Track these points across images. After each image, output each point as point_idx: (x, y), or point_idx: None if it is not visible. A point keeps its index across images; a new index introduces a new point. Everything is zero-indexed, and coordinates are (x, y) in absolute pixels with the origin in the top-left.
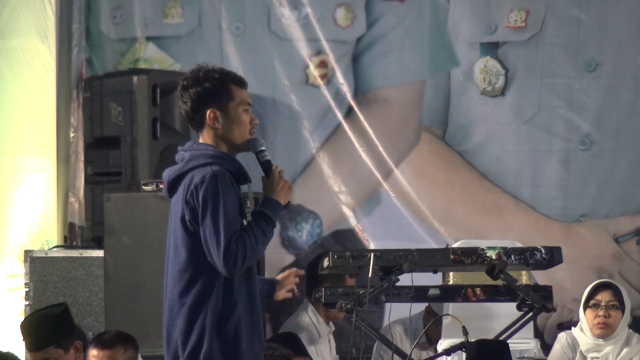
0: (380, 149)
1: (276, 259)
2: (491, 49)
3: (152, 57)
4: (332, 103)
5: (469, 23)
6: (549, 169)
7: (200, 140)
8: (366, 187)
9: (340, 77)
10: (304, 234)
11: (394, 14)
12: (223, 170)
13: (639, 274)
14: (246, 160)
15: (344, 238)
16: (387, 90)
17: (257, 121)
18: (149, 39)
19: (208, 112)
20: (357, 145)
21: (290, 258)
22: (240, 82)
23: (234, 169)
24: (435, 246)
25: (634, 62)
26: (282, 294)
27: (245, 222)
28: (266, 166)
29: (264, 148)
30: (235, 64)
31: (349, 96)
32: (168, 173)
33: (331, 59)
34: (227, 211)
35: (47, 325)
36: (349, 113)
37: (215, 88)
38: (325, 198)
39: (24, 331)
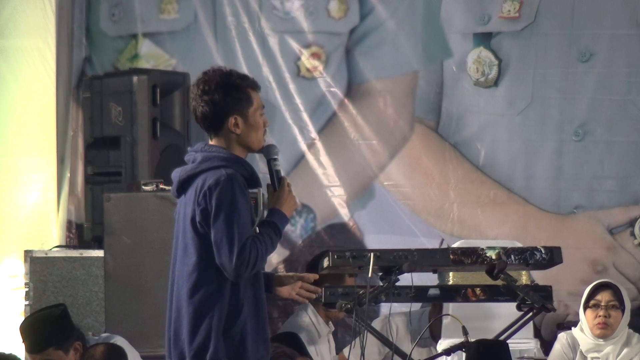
0: (374, 141)
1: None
2: (485, 39)
3: (148, 53)
4: (325, 95)
5: (462, 13)
6: (542, 160)
7: (213, 142)
8: (360, 181)
9: (332, 70)
10: (297, 228)
11: (387, 5)
12: (237, 173)
13: (633, 266)
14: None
15: (338, 232)
16: (381, 81)
17: (268, 124)
18: (145, 35)
19: (230, 119)
20: (350, 138)
21: (284, 253)
22: (257, 86)
23: (246, 173)
24: (429, 240)
25: (628, 52)
26: (285, 292)
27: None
28: (276, 176)
29: (277, 157)
30: (230, 58)
31: (340, 89)
32: (179, 173)
33: (324, 51)
34: (241, 215)
35: (46, 327)
36: (342, 105)
37: (238, 95)
38: (318, 192)
39: (23, 333)
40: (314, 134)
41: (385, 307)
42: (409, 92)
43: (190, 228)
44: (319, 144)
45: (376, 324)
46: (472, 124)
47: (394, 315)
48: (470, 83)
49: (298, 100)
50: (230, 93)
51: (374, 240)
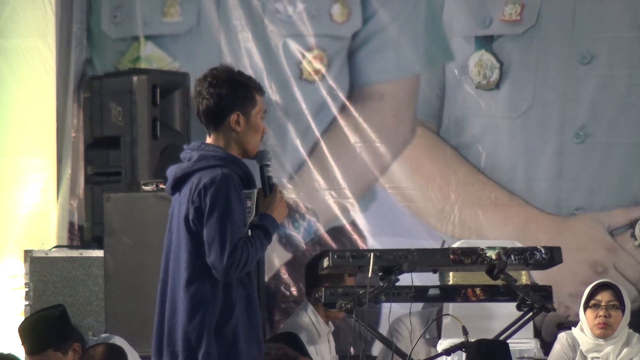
0: (376, 144)
1: (273, 256)
2: (486, 42)
3: (151, 55)
4: (327, 98)
5: (464, 17)
6: (543, 163)
7: (211, 139)
8: (362, 183)
9: (334, 73)
10: (301, 231)
11: (389, 9)
12: (233, 173)
13: (633, 267)
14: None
15: (341, 235)
16: (383, 85)
17: (266, 130)
18: (148, 37)
19: (233, 115)
20: (352, 141)
21: (287, 255)
22: (262, 90)
23: (242, 173)
24: (430, 242)
25: (629, 55)
26: None
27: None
28: (267, 182)
29: (269, 163)
30: (233, 62)
31: (342, 93)
32: (174, 170)
33: (326, 54)
34: (234, 216)
35: (44, 329)
36: (343, 109)
37: (244, 92)
38: (321, 195)
39: (22, 335)
40: (316, 137)
41: (383, 316)
42: (411, 95)
43: (184, 226)
44: (321, 147)
45: (394, 324)
46: (473, 126)
47: (405, 316)
48: (472, 86)
49: (301, 104)
50: (236, 90)
51: (376, 243)
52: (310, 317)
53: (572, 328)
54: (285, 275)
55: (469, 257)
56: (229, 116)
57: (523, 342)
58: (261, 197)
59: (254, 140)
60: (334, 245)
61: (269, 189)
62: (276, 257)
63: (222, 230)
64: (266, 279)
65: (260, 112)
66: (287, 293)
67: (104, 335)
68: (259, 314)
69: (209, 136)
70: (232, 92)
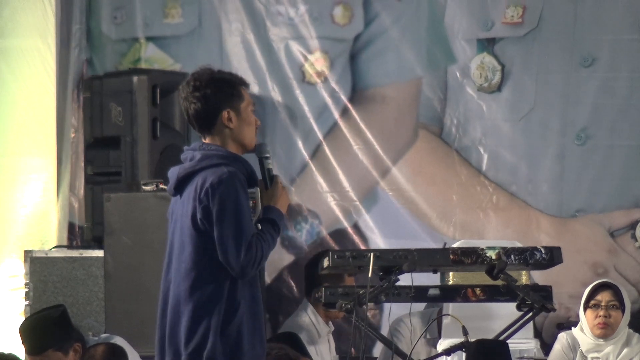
0: (378, 147)
1: (276, 259)
2: (488, 45)
3: (152, 57)
4: (329, 101)
5: (466, 19)
6: (544, 165)
7: (207, 141)
8: (364, 186)
9: (336, 76)
10: (303, 233)
11: (391, 11)
12: (237, 171)
13: (634, 268)
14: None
15: (343, 237)
16: (385, 88)
17: (259, 123)
18: (149, 39)
19: (223, 112)
20: (353, 143)
21: (289, 258)
22: (246, 84)
23: (245, 171)
24: (432, 244)
25: (630, 57)
26: None
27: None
28: (268, 174)
29: (269, 155)
30: (235, 64)
31: (344, 95)
32: (177, 171)
33: (328, 56)
34: (245, 214)
35: (45, 329)
36: (345, 111)
37: (229, 89)
38: (323, 197)
39: (22, 335)
40: (318, 140)
41: (385, 317)
42: (413, 98)
43: (190, 225)
44: (323, 150)
45: (394, 324)
46: (475, 129)
47: (406, 316)
48: (474, 89)
49: (303, 106)
50: (221, 88)
51: (378, 245)
52: (310, 317)
53: (572, 328)
54: (287, 278)
55: (469, 257)
56: (220, 115)
57: (523, 342)
58: (263, 190)
59: (250, 134)
60: (336, 248)
61: (270, 180)
62: (279, 260)
63: (236, 228)
64: (269, 281)
65: (249, 105)
66: (290, 295)
67: (104, 335)
68: (263, 314)
69: (204, 139)
70: (218, 90)
